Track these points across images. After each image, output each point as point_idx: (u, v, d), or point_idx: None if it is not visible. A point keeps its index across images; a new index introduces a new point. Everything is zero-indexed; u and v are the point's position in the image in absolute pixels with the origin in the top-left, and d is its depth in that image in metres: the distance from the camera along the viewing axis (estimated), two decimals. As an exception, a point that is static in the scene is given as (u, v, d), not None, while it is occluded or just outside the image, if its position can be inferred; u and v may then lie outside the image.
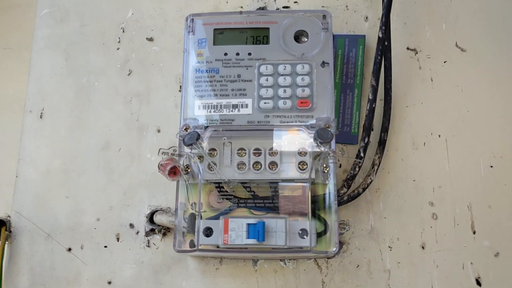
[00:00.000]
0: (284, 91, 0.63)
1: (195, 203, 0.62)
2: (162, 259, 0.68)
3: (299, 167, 0.62)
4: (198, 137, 0.61)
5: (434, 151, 0.69)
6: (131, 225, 0.70)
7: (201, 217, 0.60)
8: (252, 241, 0.56)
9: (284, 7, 0.76)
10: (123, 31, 0.77)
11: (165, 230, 0.69)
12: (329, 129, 0.61)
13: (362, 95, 0.71)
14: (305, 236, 0.58)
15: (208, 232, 0.59)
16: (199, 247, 0.58)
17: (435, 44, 0.73)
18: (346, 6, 0.76)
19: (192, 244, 0.60)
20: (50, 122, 0.75)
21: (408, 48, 0.74)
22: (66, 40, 0.78)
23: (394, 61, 0.70)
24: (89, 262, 0.69)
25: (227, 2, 0.78)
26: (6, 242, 0.69)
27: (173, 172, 0.59)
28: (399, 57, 0.73)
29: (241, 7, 0.77)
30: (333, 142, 0.60)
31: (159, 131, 0.73)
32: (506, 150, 0.69)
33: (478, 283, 0.65)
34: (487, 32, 0.73)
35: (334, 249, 0.58)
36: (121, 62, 0.76)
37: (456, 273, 0.65)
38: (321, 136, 0.60)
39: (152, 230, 0.69)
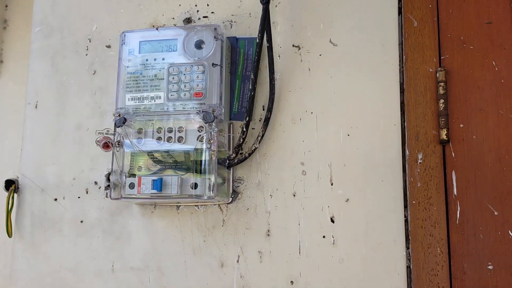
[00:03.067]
0: (185, 86, 0.89)
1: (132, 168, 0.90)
2: (116, 206, 0.97)
3: (199, 140, 0.87)
4: (125, 121, 0.88)
5: (307, 124, 0.92)
6: (96, 183, 0.99)
7: (125, 176, 0.88)
8: (154, 191, 0.83)
9: (204, 17, 1.00)
10: (90, 41, 1.05)
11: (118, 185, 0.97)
12: (212, 112, 0.86)
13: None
14: (194, 188, 0.85)
15: (132, 186, 0.87)
16: (123, 196, 0.86)
17: (314, 41, 0.95)
18: (249, 14, 0.98)
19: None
20: (42, 110, 1.05)
21: (293, 45, 0.96)
22: (52, 50, 1.07)
23: (282, 56, 0.94)
24: (68, 208, 0.99)
25: (163, 15, 1.03)
26: (15, 195, 1.01)
27: (106, 145, 0.87)
28: (286, 52, 0.95)
29: (173, 17, 1.02)
30: (214, 122, 0.85)
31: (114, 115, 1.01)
32: (360, 122, 0.90)
33: (332, 221, 0.88)
34: (354, 31, 0.93)
35: (210, 194, 0.84)
36: (89, 65, 1.04)
37: (317, 213, 0.89)
38: (205, 117, 0.85)
39: (109, 186, 0.98)
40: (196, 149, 0.86)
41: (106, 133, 0.89)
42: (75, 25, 1.07)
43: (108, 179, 0.98)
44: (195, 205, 0.94)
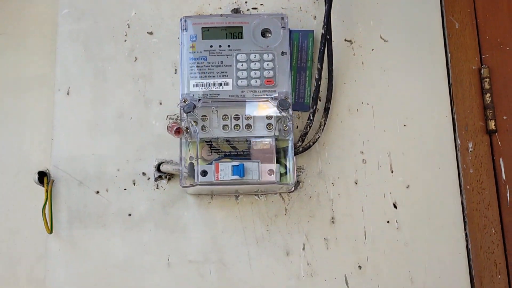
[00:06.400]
0: (255, 73, 0.88)
1: (191, 156, 0.86)
2: (168, 197, 0.93)
3: (267, 128, 0.87)
4: (194, 106, 0.85)
5: (364, 115, 0.96)
6: (144, 173, 0.94)
7: (198, 163, 0.84)
8: (235, 177, 0.81)
9: (253, 8, 1.01)
10: (128, 27, 1.00)
11: (170, 176, 0.93)
12: (287, 100, 0.86)
13: (312, 75, 0.96)
14: (272, 174, 0.84)
15: (204, 173, 0.84)
16: (198, 183, 0.82)
17: (365, 36, 0.99)
18: (300, 8, 1.00)
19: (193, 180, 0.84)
20: (76, 97, 0.97)
21: (345, 40, 0.99)
22: (83, 34, 1.00)
23: (335, 50, 0.96)
24: (113, 201, 0.92)
25: (209, 4, 1.01)
26: (48, 190, 0.92)
27: (178, 131, 0.84)
28: (339, 46, 0.99)
29: (220, 7, 1.01)
30: (290, 109, 0.85)
31: (160, 103, 0.96)
32: (415, 113, 0.96)
33: (395, 206, 0.92)
34: (403, 29, 0.99)
35: (292, 182, 0.84)
36: (128, 51, 0.99)
37: (380, 200, 0.92)
38: (281, 104, 0.85)
39: (160, 177, 0.93)
40: (277, 138, 0.85)
41: (176, 119, 0.85)
42: (110, 10, 1.01)
43: (158, 170, 0.94)
44: (255, 195, 0.93)
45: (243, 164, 0.82)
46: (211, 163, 0.85)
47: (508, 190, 0.92)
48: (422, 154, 0.94)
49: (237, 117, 0.87)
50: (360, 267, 0.89)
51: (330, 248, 0.90)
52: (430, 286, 0.88)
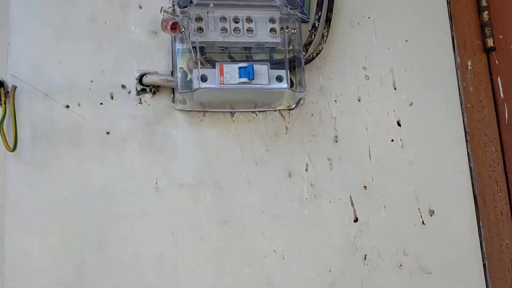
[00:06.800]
0: (258, -31, 0.78)
1: (182, 67, 0.75)
2: (153, 113, 0.80)
3: (270, 33, 0.77)
4: (191, 1, 0.73)
5: (365, 29, 0.89)
6: (123, 86, 0.80)
7: (199, 65, 0.73)
8: (243, 79, 0.71)
9: None
10: None
11: (155, 90, 0.81)
12: (296, -1, 0.77)
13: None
14: (281, 81, 0.75)
15: (203, 79, 0.73)
16: (200, 87, 0.71)
17: None
18: None
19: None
20: (36, -4, 0.81)
21: None
22: None
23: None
24: (87, 117, 0.79)
25: None
26: (6, 101, 0.76)
27: (174, 27, 0.72)
28: (338, -45, 0.91)
29: None
30: (299, 9, 0.77)
31: (140, 7, 0.83)
32: (416, 30, 0.91)
33: (399, 124, 0.87)
34: None
35: (302, 89, 0.76)
36: None
37: (383, 118, 0.87)
38: (290, 3, 0.76)
39: (143, 90, 0.80)
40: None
41: (171, 13, 0.73)
42: None
43: (140, 82, 0.81)
44: (252, 112, 0.83)
45: (252, 65, 0.72)
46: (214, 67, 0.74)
47: (506, 109, 0.90)
48: (424, 71, 0.90)
49: (236, 20, 0.77)
50: (365, 187, 0.84)
51: (334, 168, 0.84)
52: (435, 205, 0.85)
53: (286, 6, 0.76)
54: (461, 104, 0.90)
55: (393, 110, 0.87)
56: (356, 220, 0.82)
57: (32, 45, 0.79)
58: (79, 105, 0.79)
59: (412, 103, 0.88)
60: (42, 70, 0.79)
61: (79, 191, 0.76)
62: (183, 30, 0.73)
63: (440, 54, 0.91)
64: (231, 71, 0.72)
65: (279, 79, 0.75)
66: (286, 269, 0.79)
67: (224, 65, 0.72)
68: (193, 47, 0.73)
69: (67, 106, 0.78)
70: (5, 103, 0.75)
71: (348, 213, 0.83)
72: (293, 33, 0.77)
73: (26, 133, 0.76)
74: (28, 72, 0.78)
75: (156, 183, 0.78)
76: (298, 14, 0.76)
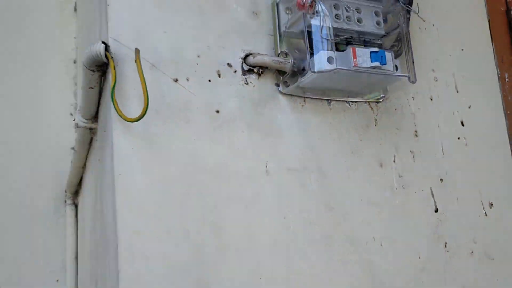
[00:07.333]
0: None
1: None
2: (259, 95, 0.78)
3: (376, 24, 0.80)
4: (320, -16, 0.74)
5: (431, 35, 0.96)
6: (229, 65, 0.77)
7: (327, 48, 0.73)
8: (375, 63, 0.73)
9: None
10: None
11: (262, 71, 0.78)
12: (404, -7, 0.81)
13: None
14: (397, 70, 0.78)
15: (329, 60, 0.73)
16: (337, 68, 0.71)
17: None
18: None
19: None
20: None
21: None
22: None
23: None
24: (197, 93, 0.73)
25: None
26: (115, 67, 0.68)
27: (311, 5, 0.71)
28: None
29: None
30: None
31: (240, -13, 0.81)
32: (469, 42, 1.00)
33: (462, 124, 0.94)
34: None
35: (414, 79, 0.79)
36: None
37: (450, 117, 0.93)
38: (403, -1, 0.80)
39: (250, 70, 0.77)
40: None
41: (308, -9, 0.72)
42: None
43: (245, 62, 0.78)
44: (346, 102, 0.84)
45: (384, 51, 0.74)
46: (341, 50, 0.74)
47: (536, 117, 1.03)
48: (476, 79, 0.98)
49: (348, 9, 0.79)
50: (441, 180, 0.89)
51: (416, 161, 0.87)
52: (493, 198, 0.92)
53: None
54: (504, 111, 1.00)
55: (457, 111, 0.94)
56: (436, 210, 0.87)
57: (133, 10, 0.72)
58: (187, 80, 0.73)
59: (470, 105, 0.96)
60: (147, 38, 0.72)
61: (192, 171, 0.70)
62: (310, 8, 0.73)
63: (486, 66, 1.01)
64: (363, 55, 0.73)
65: (395, 67, 0.78)
66: (385, 256, 0.80)
67: (356, 48, 0.73)
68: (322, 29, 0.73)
69: (176, 80, 0.72)
70: (114, 69, 0.67)
71: (430, 203, 0.86)
72: (404, 23, 0.81)
73: (134, 105, 0.69)
74: (130, 38, 0.71)
75: (266, 166, 0.75)
76: (409, 8, 0.80)
